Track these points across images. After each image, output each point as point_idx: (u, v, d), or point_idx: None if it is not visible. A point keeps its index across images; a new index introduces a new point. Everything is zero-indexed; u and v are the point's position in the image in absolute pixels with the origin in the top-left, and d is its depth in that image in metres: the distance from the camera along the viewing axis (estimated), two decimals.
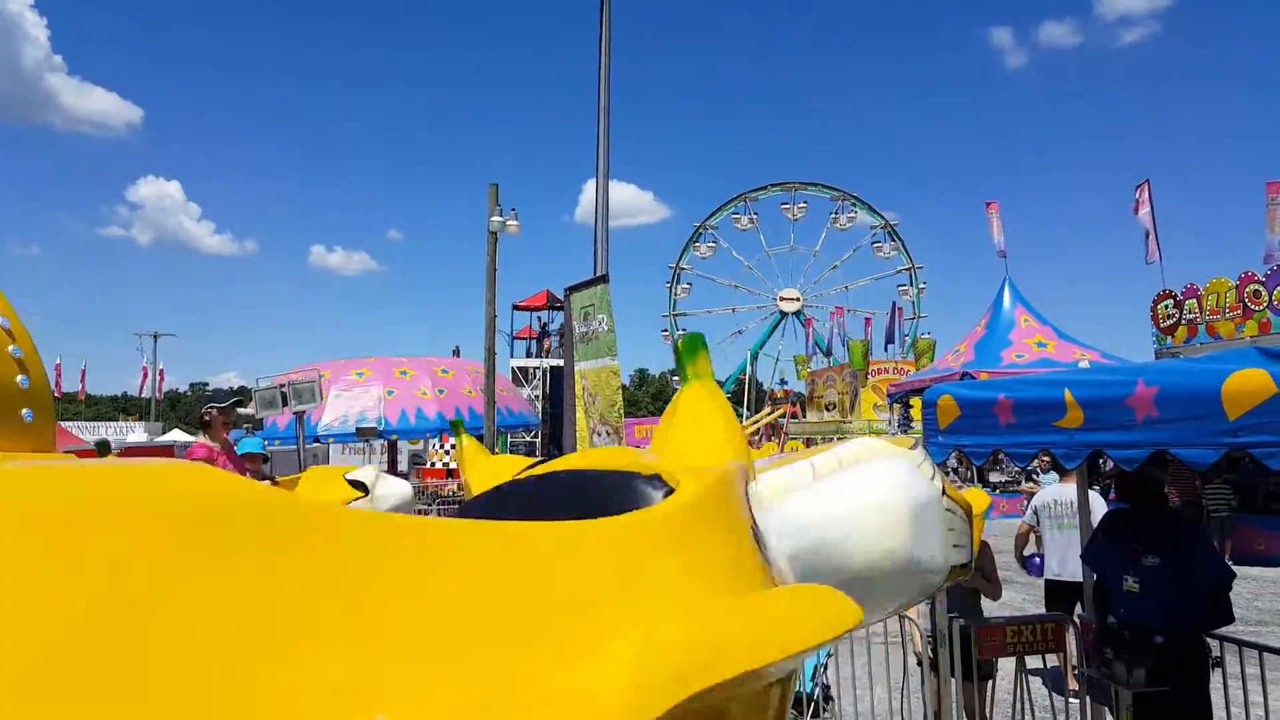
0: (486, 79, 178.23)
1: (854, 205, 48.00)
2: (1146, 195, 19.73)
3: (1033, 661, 5.28)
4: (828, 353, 38.66)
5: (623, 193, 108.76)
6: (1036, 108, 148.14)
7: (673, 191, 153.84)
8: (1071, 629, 5.22)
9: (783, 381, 45.18)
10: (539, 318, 38.10)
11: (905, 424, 22.88)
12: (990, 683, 5.26)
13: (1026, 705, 5.09)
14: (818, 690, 5.92)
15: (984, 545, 5.22)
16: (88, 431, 24.30)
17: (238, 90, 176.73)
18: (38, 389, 2.31)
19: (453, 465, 17.43)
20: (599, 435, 8.14)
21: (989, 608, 5.54)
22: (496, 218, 18.89)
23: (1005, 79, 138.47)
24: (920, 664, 5.32)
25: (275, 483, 7.96)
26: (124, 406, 74.78)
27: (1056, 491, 7.32)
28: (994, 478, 23.54)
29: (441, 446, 19.69)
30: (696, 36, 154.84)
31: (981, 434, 4.61)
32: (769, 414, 30.46)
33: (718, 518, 1.58)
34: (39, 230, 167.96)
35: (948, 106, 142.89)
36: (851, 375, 29.33)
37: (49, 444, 2.36)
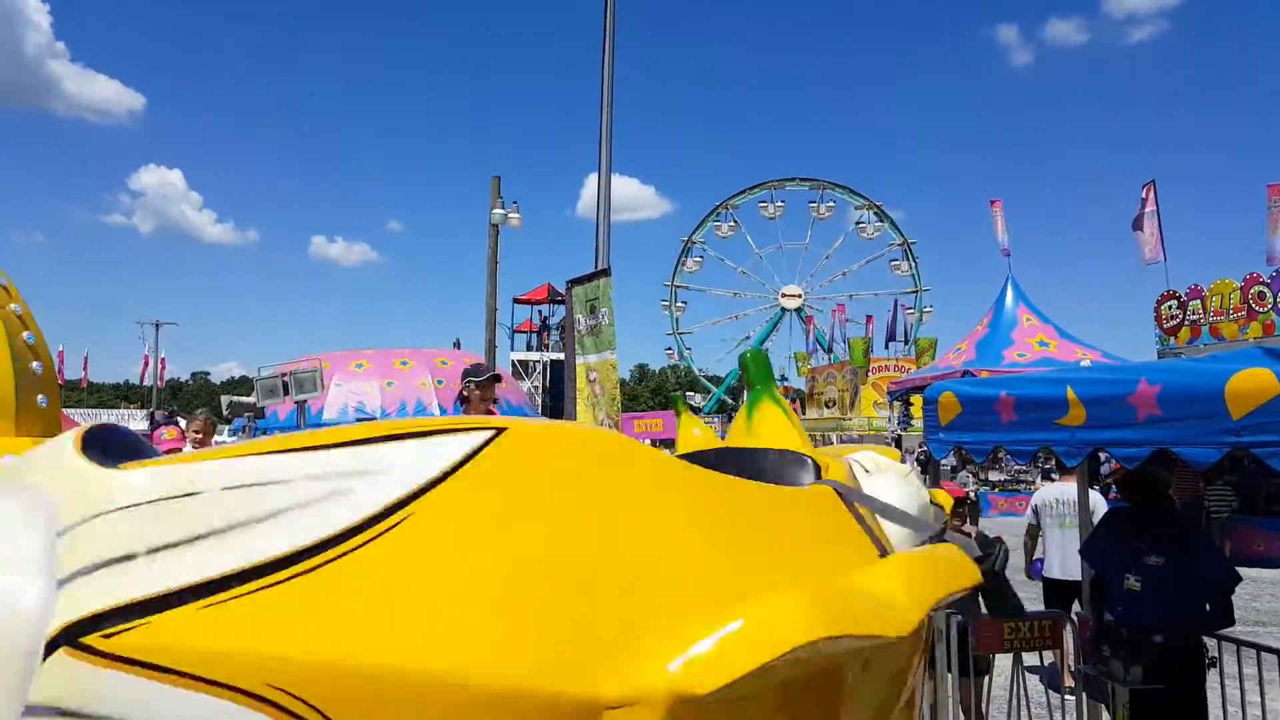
0: (489, 72, 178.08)
1: (833, 192, 47.93)
2: (1152, 195, 19.70)
3: (1029, 658, 5.28)
4: (828, 350, 38.66)
5: (624, 187, 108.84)
6: (1042, 106, 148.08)
7: (675, 186, 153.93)
8: (1069, 626, 5.22)
9: (783, 378, 45.16)
10: (540, 311, 38.05)
11: (905, 422, 22.85)
12: (986, 679, 5.27)
13: (1023, 702, 5.10)
14: None
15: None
16: (90, 419, 24.25)
17: (240, 80, 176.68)
18: (49, 376, 2.33)
19: None
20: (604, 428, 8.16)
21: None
22: (498, 210, 18.89)
23: (1011, 77, 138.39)
24: None
25: None
26: (126, 394, 74.85)
27: (1057, 490, 7.31)
28: (993, 476, 23.56)
29: None
30: (700, 32, 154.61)
31: (983, 431, 4.61)
32: None
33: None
34: (42, 218, 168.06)
35: (953, 104, 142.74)
36: (852, 372, 29.33)
37: (58, 429, 2.37)
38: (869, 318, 39.53)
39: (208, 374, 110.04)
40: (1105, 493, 8.45)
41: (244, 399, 15.04)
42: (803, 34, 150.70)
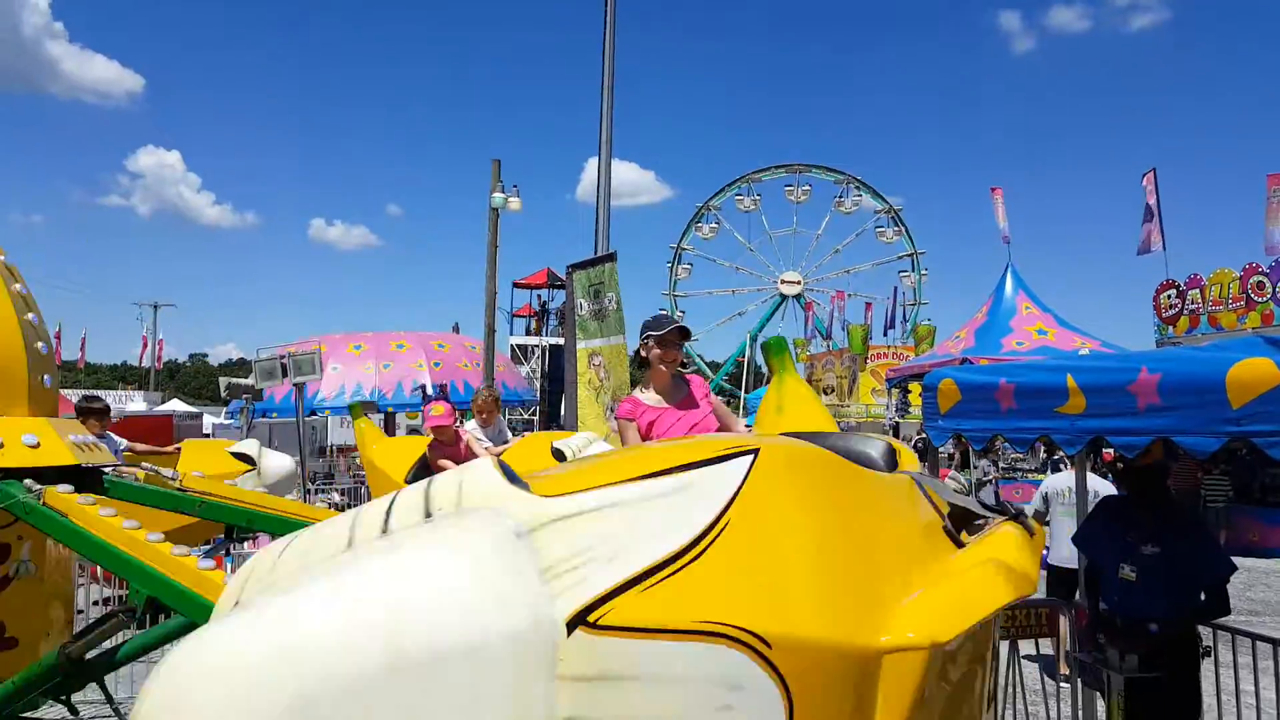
0: (489, 56, 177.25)
1: (859, 189, 47.77)
2: (1153, 185, 19.65)
3: (1025, 645, 5.30)
4: (827, 336, 38.63)
5: (624, 172, 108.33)
6: (1044, 93, 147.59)
7: (674, 172, 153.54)
8: (1065, 614, 5.24)
9: None
10: (539, 295, 37.99)
11: (903, 409, 22.87)
12: None
13: (1019, 689, 5.12)
14: None
15: None
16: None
17: (239, 61, 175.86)
18: (51, 356, 2.35)
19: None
20: (612, 413, 8.16)
21: None
22: (498, 194, 18.82)
23: (1013, 63, 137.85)
24: None
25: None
26: (123, 375, 74.73)
27: (1069, 478, 7.30)
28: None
29: None
30: (701, 16, 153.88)
31: (982, 418, 4.60)
32: None
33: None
34: (40, 198, 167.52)
35: (954, 91, 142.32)
36: (850, 359, 29.29)
37: (57, 409, 2.39)
38: (868, 304, 39.50)
39: (206, 356, 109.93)
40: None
41: (242, 381, 15.03)
42: (804, 19, 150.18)
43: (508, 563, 1.13)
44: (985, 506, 2.06)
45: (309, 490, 12.30)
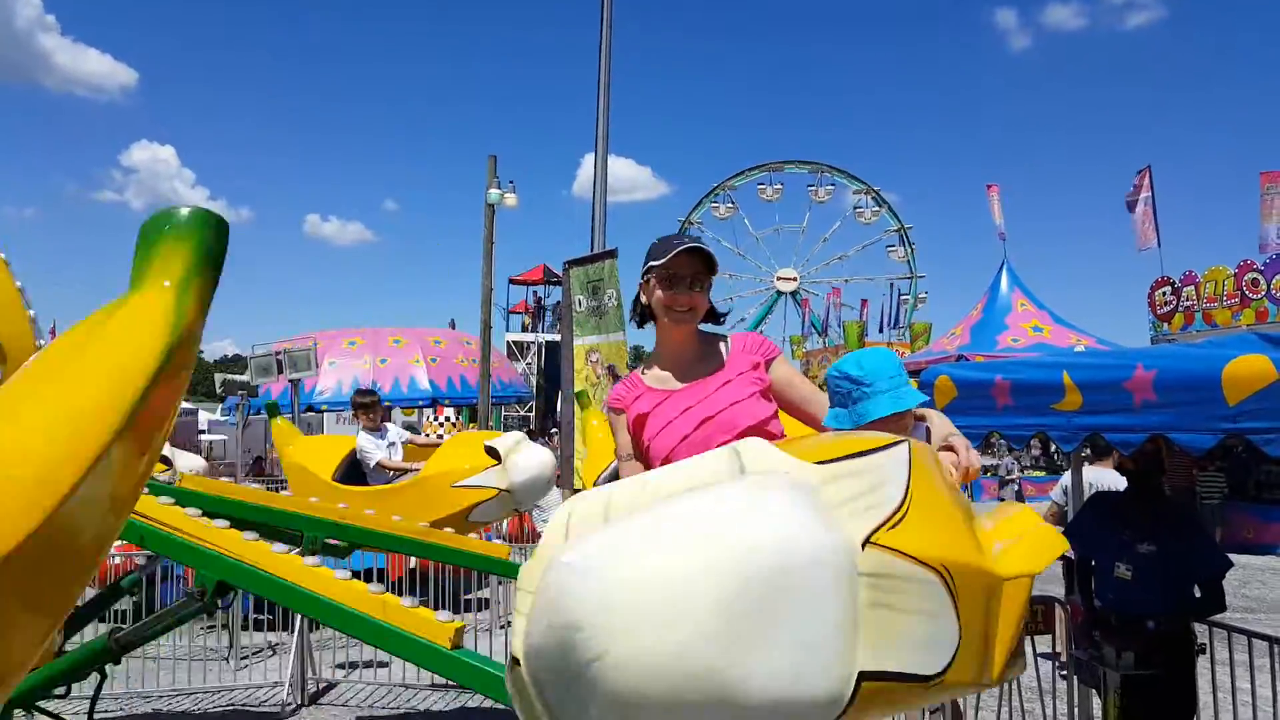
0: (485, 50, 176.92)
1: (832, 175, 47.63)
2: (1147, 181, 19.68)
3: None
4: (823, 333, 38.63)
5: (620, 168, 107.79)
6: (1039, 91, 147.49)
7: (671, 168, 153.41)
8: (1061, 611, 5.23)
9: None
10: (535, 292, 37.98)
11: None
12: None
13: (1013, 685, 5.12)
14: None
15: None
16: None
17: (233, 56, 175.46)
18: (14, 349, 2.34)
19: (446, 436, 17.50)
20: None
21: None
22: (495, 190, 18.79)
23: (1009, 61, 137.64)
24: None
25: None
26: None
27: (1093, 474, 7.31)
28: (985, 461, 23.60)
29: (435, 418, 19.67)
30: (697, 12, 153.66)
31: (978, 415, 4.60)
32: None
33: None
34: (33, 193, 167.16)
35: (951, 88, 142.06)
36: None
37: None
38: (864, 302, 39.55)
39: (201, 352, 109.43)
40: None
41: (238, 377, 14.99)
42: (800, 16, 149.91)
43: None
44: None
45: None
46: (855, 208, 47.57)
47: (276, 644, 7.68)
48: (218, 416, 24.82)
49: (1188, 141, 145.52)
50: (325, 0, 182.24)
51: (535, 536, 9.90)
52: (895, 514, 1.61)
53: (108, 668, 4.34)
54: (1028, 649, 5.24)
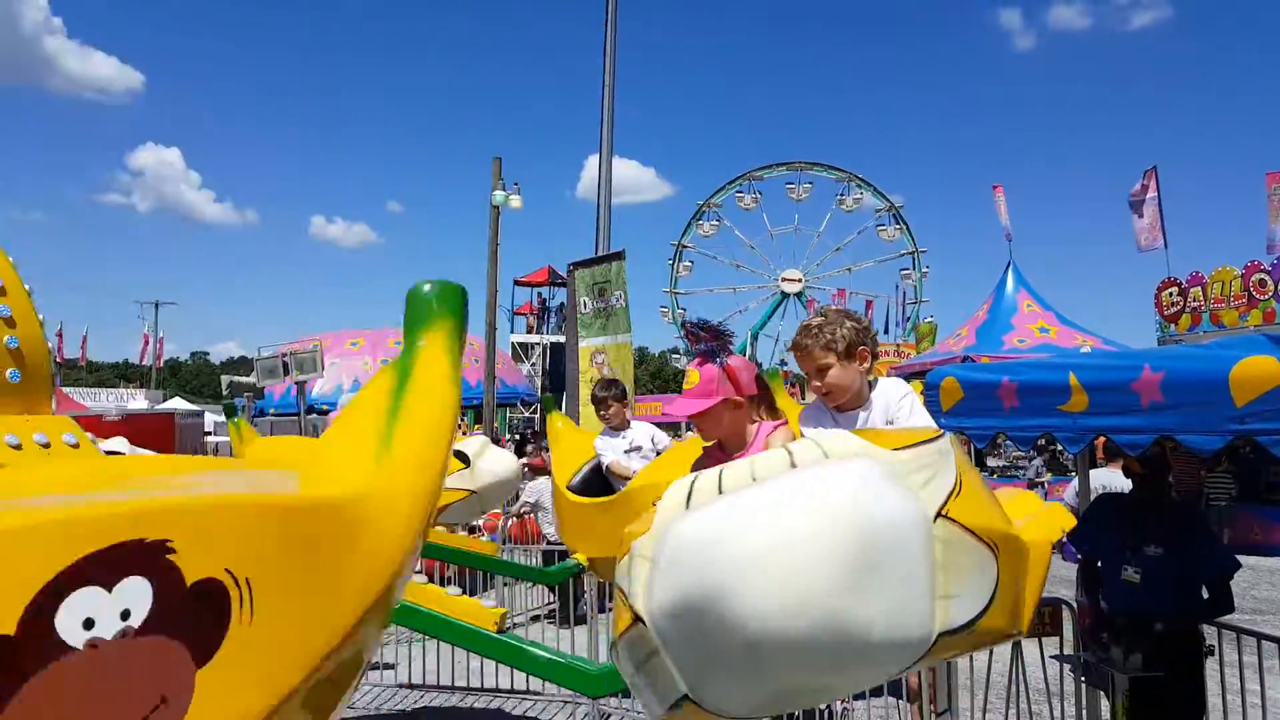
0: (490, 51, 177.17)
1: (860, 187, 47.58)
2: (1153, 181, 19.61)
3: (1025, 644, 5.27)
4: None
5: (625, 170, 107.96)
6: (1045, 91, 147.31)
7: (675, 170, 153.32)
8: (1069, 613, 5.20)
9: (783, 363, 44.96)
10: (539, 293, 37.97)
11: None
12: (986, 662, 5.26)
13: (1022, 688, 5.09)
14: None
15: None
16: (89, 398, 24.25)
17: (239, 58, 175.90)
18: (29, 350, 2.27)
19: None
20: None
21: None
22: (499, 192, 18.78)
23: (1014, 61, 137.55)
24: None
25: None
26: (125, 373, 74.76)
27: (1106, 476, 7.28)
28: (991, 462, 23.54)
29: None
30: (702, 13, 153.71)
31: (984, 416, 4.58)
32: None
33: None
34: (39, 196, 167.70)
35: (956, 88, 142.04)
36: None
37: (40, 406, 2.32)
38: (869, 302, 39.47)
39: (207, 354, 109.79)
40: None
41: (243, 379, 15.02)
42: (805, 17, 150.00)
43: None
44: None
45: None
46: (878, 225, 47.33)
47: None
48: (220, 418, 24.88)
49: (1194, 141, 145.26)
50: (331, 3, 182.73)
51: (537, 538, 9.93)
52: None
53: None
54: (1036, 652, 5.23)
